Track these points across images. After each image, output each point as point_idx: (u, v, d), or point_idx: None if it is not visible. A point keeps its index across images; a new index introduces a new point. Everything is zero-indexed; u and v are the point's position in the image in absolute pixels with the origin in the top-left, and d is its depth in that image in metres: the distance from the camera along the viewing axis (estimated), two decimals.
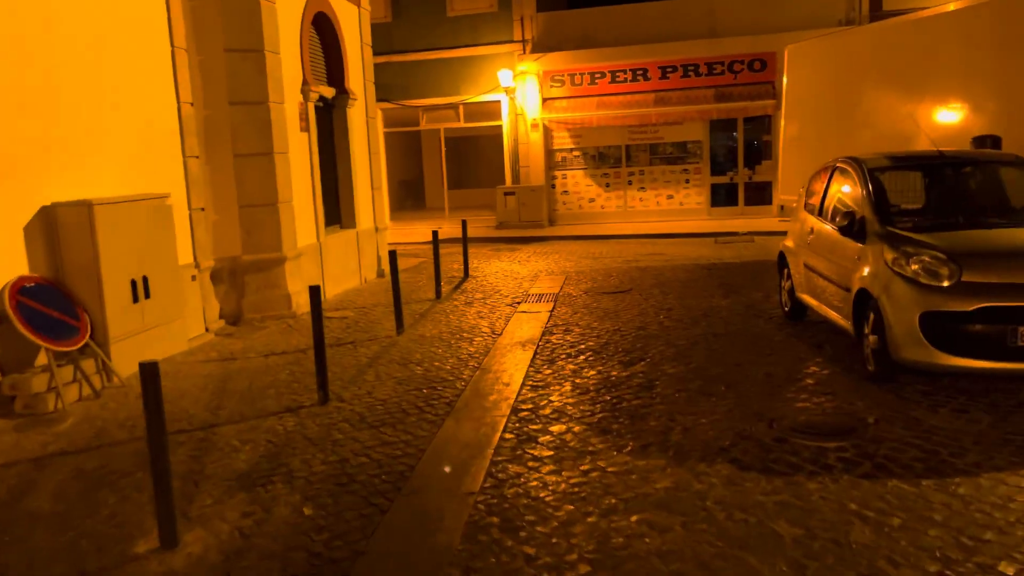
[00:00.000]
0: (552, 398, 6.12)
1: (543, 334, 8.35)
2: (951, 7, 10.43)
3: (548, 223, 20.39)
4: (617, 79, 19.82)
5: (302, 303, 9.84)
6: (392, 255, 9.39)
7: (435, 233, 11.64)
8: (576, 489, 4.42)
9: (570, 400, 6.05)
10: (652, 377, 6.53)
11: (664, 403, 5.85)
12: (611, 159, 20.70)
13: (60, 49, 7.07)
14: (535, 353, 7.53)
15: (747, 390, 6.04)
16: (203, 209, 9.15)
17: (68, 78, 7.15)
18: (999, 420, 5.11)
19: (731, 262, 13.15)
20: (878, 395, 5.73)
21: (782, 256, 8.59)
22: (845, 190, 7.09)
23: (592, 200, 20.83)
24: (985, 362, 5.23)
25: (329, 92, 11.95)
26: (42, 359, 6.54)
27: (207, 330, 8.92)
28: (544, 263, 14.10)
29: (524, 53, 20.31)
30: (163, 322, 7.82)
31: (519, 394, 6.26)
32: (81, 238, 6.85)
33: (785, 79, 14.37)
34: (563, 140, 20.83)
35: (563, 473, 4.65)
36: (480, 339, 8.29)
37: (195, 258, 8.90)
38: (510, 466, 4.81)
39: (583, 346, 7.73)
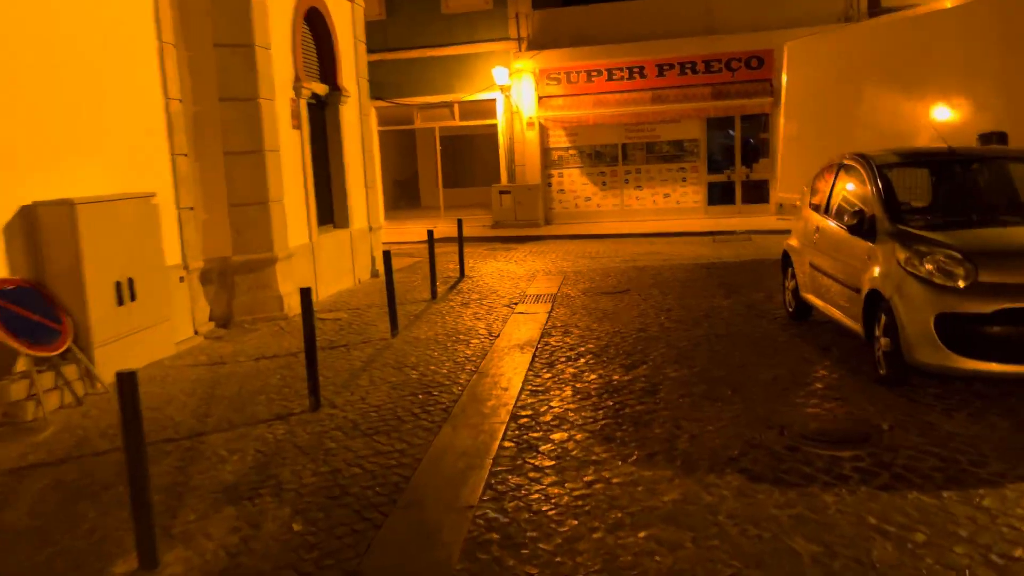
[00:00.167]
0: (552, 404, 5.91)
1: (541, 336, 8.13)
2: (948, 3, 10.27)
3: (544, 222, 20.18)
4: (614, 77, 19.61)
5: (294, 304, 9.60)
6: (386, 255, 9.16)
7: (430, 233, 11.41)
8: (580, 502, 4.20)
9: (571, 406, 5.83)
10: (655, 381, 6.32)
11: (668, 409, 5.64)
12: (607, 157, 20.49)
13: (42, 43, 6.82)
14: (534, 356, 7.31)
15: (754, 394, 5.83)
16: (192, 208, 8.90)
17: (51, 73, 6.90)
18: (1018, 426, 4.91)
19: (730, 261, 12.95)
20: (890, 399, 5.53)
21: (786, 255, 8.39)
22: (853, 188, 6.89)
23: (588, 199, 20.63)
24: (1005, 365, 5.02)
25: (322, 89, 11.71)
26: (21, 365, 6.27)
27: (196, 333, 8.68)
28: (541, 263, 13.88)
29: (520, 51, 20.08)
30: (149, 325, 7.58)
31: (518, 399, 6.04)
32: (63, 239, 6.60)
33: (785, 77, 14.18)
34: (559, 138, 20.61)
35: (566, 485, 4.43)
36: (477, 341, 8.07)
37: (183, 259, 8.66)
38: (510, 477, 4.59)
39: (583, 348, 7.52)
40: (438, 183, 22.56)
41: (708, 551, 3.61)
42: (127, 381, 3.46)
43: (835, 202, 7.17)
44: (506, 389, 6.33)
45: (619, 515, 4.01)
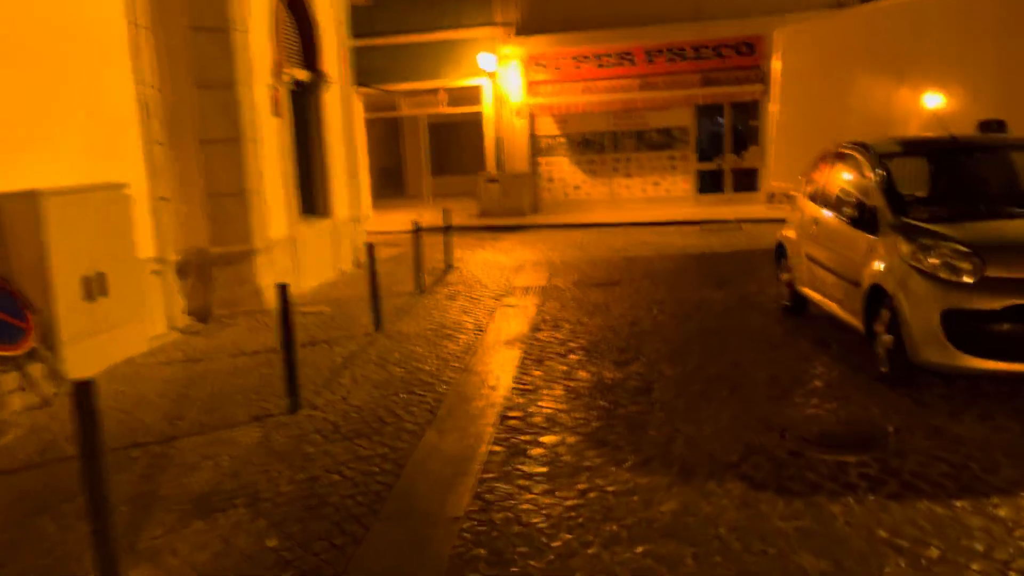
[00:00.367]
0: (543, 404, 5.66)
1: (531, 331, 7.88)
2: None
3: (532, 211, 19.88)
4: (602, 63, 19.29)
5: (274, 297, 9.27)
6: (370, 248, 8.84)
7: (416, 224, 11.10)
8: (573, 513, 3.96)
9: (562, 406, 5.59)
10: (649, 379, 6.08)
11: (663, 409, 5.40)
12: (596, 145, 20.21)
13: (2, 25, 6.46)
14: (523, 352, 7.06)
15: (751, 394, 5.61)
16: (168, 199, 8.57)
17: (12, 57, 6.54)
18: None
19: (720, 251, 12.74)
20: (893, 399, 5.31)
21: (781, 247, 8.17)
22: (852, 178, 6.65)
23: (577, 187, 20.35)
24: (1014, 364, 4.82)
25: (304, 75, 11.36)
26: None
27: (172, 328, 8.37)
28: (529, 253, 13.61)
29: (508, 37, 19.71)
30: (122, 321, 7.26)
31: (507, 399, 5.79)
32: (28, 232, 6.27)
33: (777, 63, 13.92)
34: (547, 126, 20.29)
35: (557, 493, 4.19)
36: (464, 336, 7.81)
37: (159, 251, 8.33)
38: (498, 485, 4.34)
39: (573, 344, 7.27)
40: (424, 171, 22.20)
41: (710, 568, 3.38)
42: (83, 393, 3.17)
43: (833, 192, 6.92)
44: (494, 388, 6.08)
45: (614, 528, 3.78)
